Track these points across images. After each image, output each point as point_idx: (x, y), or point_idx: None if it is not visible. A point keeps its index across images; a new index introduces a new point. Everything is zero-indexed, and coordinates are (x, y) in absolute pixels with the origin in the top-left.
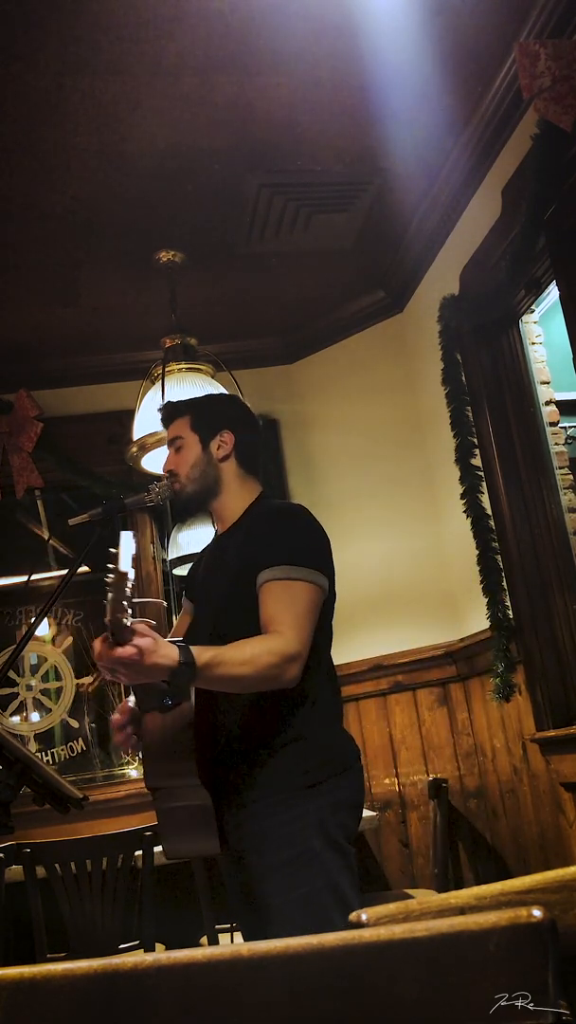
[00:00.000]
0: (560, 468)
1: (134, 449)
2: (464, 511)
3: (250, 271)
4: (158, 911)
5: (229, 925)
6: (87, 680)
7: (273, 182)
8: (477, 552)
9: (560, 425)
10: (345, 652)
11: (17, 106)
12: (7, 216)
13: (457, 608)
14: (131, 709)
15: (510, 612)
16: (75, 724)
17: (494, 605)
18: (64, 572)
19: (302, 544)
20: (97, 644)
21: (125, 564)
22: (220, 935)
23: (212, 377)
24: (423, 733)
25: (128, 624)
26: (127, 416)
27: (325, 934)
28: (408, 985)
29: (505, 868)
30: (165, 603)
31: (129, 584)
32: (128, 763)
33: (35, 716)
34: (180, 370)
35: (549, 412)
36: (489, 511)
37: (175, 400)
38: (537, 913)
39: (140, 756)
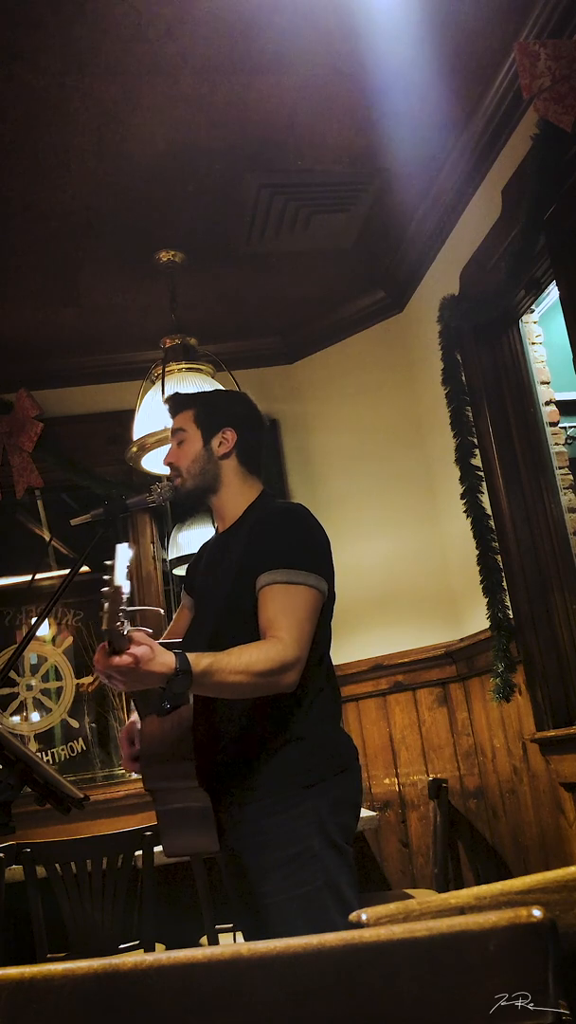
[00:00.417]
0: (560, 468)
1: (134, 449)
2: (464, 511)
3: (250, 271)
4: (158, 911)
5: (229, 925)
6: (87, 680)
7: (273, 182)
8: (477, 552)
9: (560, 425)
10: (345, 652)
11: (17, 106)
12: (7, 216)
13: (457, 608)
14: (134, 726)
15: (510, 612)
16: (75, 724)
17: (494, 605)
18: (65, 572)
19: (302, 547)
20: (97, 653)
21: (120, 578)
22: (220, 935)
23: (212, 377)
24: (423, 733)
25: (125, 633)
26: (127, 416)
27: (325, 934)
28: (408, 985)
29: (505, 868)
30: (163, 611)
31: (124, 597)
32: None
33: (35, 716)
34: (180, 370)
35: (549, 412)
36: (489, 511)
37: (182, 393)
38: (537, 913)
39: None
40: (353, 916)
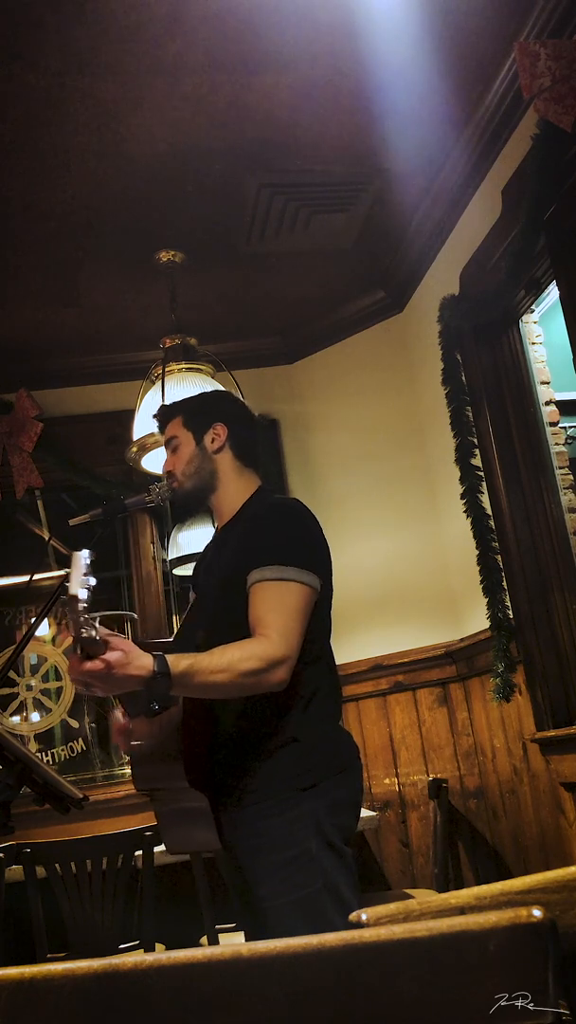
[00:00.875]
0: (560, 468)
1: (134, 449)
2: (464, 511)
3: (250, 271)
4: (158, 911)
5: (229, 925)
6: None
7: (273, 182)
8: (477, 552)
9: (560, 425)
10: (345, 652)
11: (17, 106)
12: (7, 216)
13: (457, 608)
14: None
15: (510, 612)
16: (75, 724)
17: (494, 605)
18: (64, 572)
19: (293, 543)
20: (71, 660)
21: (74, 587)
22: (220, 935)
23: (212, 377)
24: (423, 733)
25: (98, 638)
26: (127, 416)
27: (325, 934)
28: (408, 985)
29: (505, 868)
30: (135, 616)
31: (81, 605)
32: (128, 763)
33: (35, 716)
34: (180, 370)
35: (549, 412)
36: (489, 511)
37: (167, 403)
38: (537, 913)
39: (129, 760)
40: (353, 916)
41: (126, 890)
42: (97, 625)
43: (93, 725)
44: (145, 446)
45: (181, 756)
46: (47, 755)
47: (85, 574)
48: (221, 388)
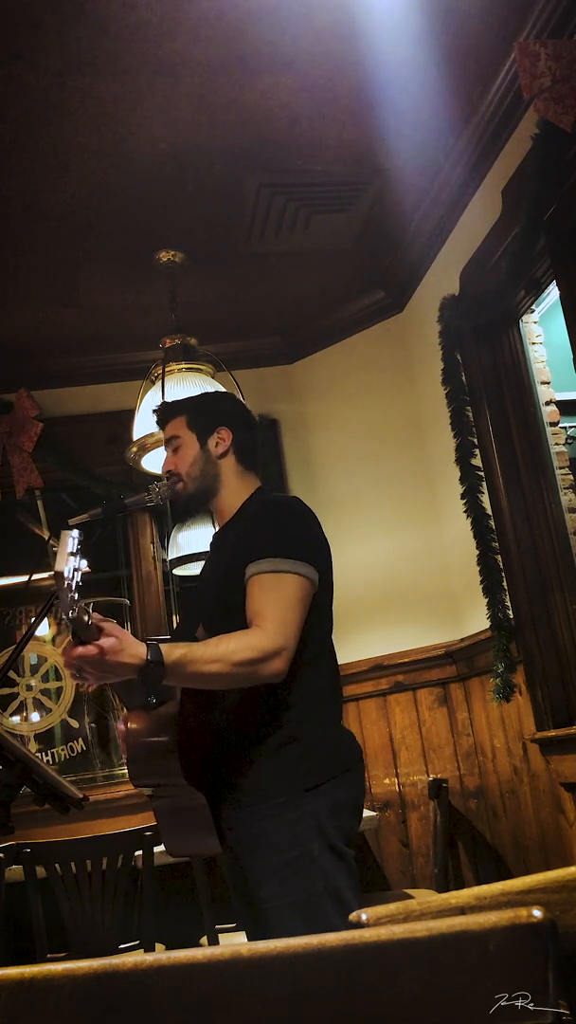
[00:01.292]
0: (560, 468)
1: (134, 449)
2: (464, 511)
3: (250, 271)
4: (158, 911)
5: (230, 925)
6: None
7: (273, 182)
8: (477, 552)
9: (560, 425)
10: (345, 652)
11: (17, 106)
12: (7, 216)
13: (457, 608)
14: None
15: (510, 612)
16: (75, 724)
17: (494, 605)
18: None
19: (290, 536)
20: (64, 646)
21: (59, 564)
22: (220, 935)
23: (212, 377)
24: (423, 733)
25: (91, 623)
26: (127, 416)
27: (325, 934)
28: (408, 985)
29: (505, 868)
30: (128, 602)
31: (66, 583)
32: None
33: (35, 716)
34: (180, 370)
35: (549, 412)
36: (489, 511)
37: (169, 401)
38: (537, 913)
39: (124, 755)
40: (353, 916)
41: (126, 890)
42: (89, 610)
43: (93, 725)
44: (145, 446)
45: (175, 751)
46: (47, 755)
47: (72, 553)
48: (222, 388)
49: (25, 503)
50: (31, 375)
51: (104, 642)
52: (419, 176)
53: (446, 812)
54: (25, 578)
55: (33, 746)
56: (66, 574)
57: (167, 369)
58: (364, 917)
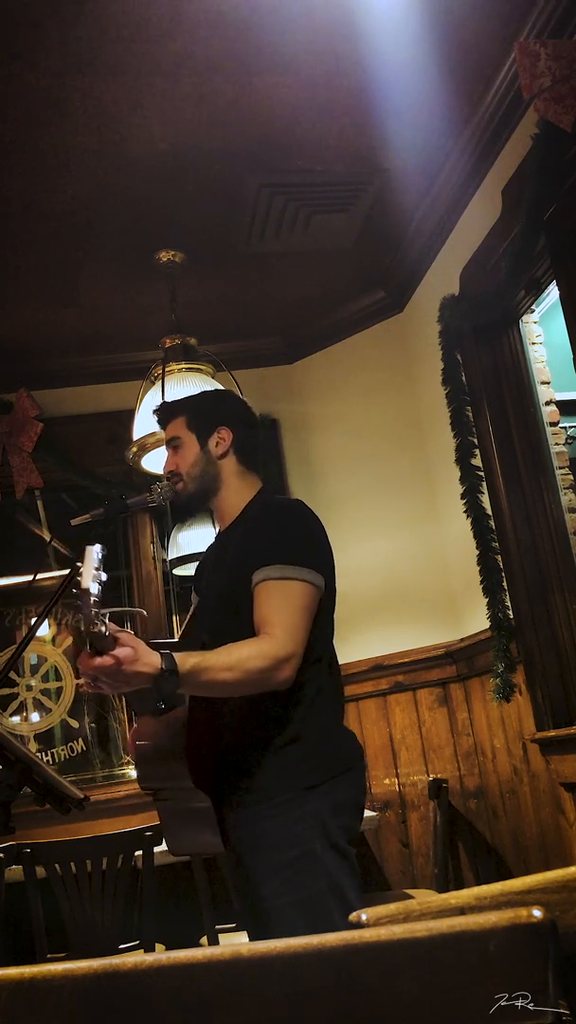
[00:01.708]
0: (560, 468)
1: (134, 449)
2: (464, 511)
3: (250, 271)
4: (158, 911)
5: (230, 925)
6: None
7: (273, 182)
8: (477, 552)
9: (560, 425)
10: (345, 652)
11: (17, 106)
12: (7, 216)
13: (457, 608)
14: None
15: (510, 612)
16: (75, 724)
17: (494, 605)
18: (65, 572)
19: (297, 542)
20: (81, 656)
21: (86, 580)
22: (220, 935)
23: (212, 377)
24: (423, 733)
25: (107, 634)
26: (127, 416)
27: (325, 934)
28: (408, 985)
29: (505, 868)
30: (144, 612)
31: (92, 599)
32: (128, 763)
33: (35, 716)
34: (180, 370)
35: (549, 412)
36: (489, 511)
37: (169, 400)
38: (537, 913)
39: (134, 758)
40: (353, 916)
41: (126, 890)
42: (107, 621)
43: (93, 725)
44: (145, 446)
45: (186, 756)
46: (47, 755)
47: (97, 568)
48: (222, 387)
49: (25, 503)
50: (31, 375)
51: (120, 652)
52: (419, 176)
53: (446, 812)
54: (25, 578)
55: (33, 746)
56: (92, 591)
57: (167, 369)
58: (364, 917)
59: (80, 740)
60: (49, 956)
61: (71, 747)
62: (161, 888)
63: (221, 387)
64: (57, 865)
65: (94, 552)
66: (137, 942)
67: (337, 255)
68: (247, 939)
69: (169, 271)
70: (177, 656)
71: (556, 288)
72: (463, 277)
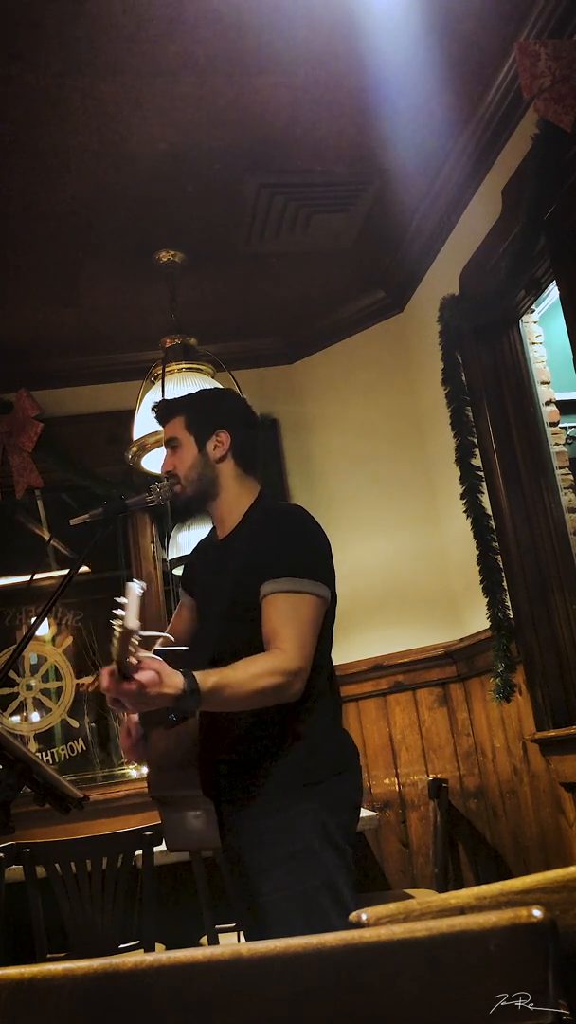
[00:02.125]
0: (560, 468)
1: (134, 449)
2: (464, 511)
3: (250, 271)
4: (158, 911)
5: (230, 925)
6: (87, 680)
7: (273, 182)
8: (477, 552)
9: (560, 425)
10: (345, 652)
11: (17, 106)
12: (7, 216)
13: (457, 608)
14: (136, 726)
15: (510, 612)
16: (75, 724)
17: (494, 605)
18: (64, 572)
19: (305, 554)
20: (105, 677)
21: (132, 620)
22: (220, 935)
23: (212, 377)
24: (423, 733)
25: (135, 662)
26: (127, 416)
27: (325, 934)
28: (408, 985)
29: (505, 868)
30: (172, 638)
31: (136, 638)
32: (128, 763)
33: (35, 716)
34: (180, 370)
35: (549, 412)
36: (489, 511)
37: (169, 399)
38: (537, 913)
39: (146, 766)
40: (353, 916)
41: (126, 890)
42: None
43: (93, 725)
44: (145, 446)
45: (197, 765)
46: (47, 755)
47: (140, 607)
48: (222, 387)
49: (25, 503)
50: (31, 375)
51: (144, 677)
52: (419, 176)
53: (446, 812)
54: (25, 578)
55: (33, 746)
56: (138, 631)
57: (167, 369)
58: (364, 917)
59: (80, 740)
60: (49, 956)
61: (71, 747)
62: (161, 888)
63: (221, 387)
64: (57, 865)
65: (136, 588)
66: (137, 942)
67: (337, 255)
68: (243, 935)
69: (169, 271)
70: (198, 675)
71: (556, 288)
72: (463, 277)
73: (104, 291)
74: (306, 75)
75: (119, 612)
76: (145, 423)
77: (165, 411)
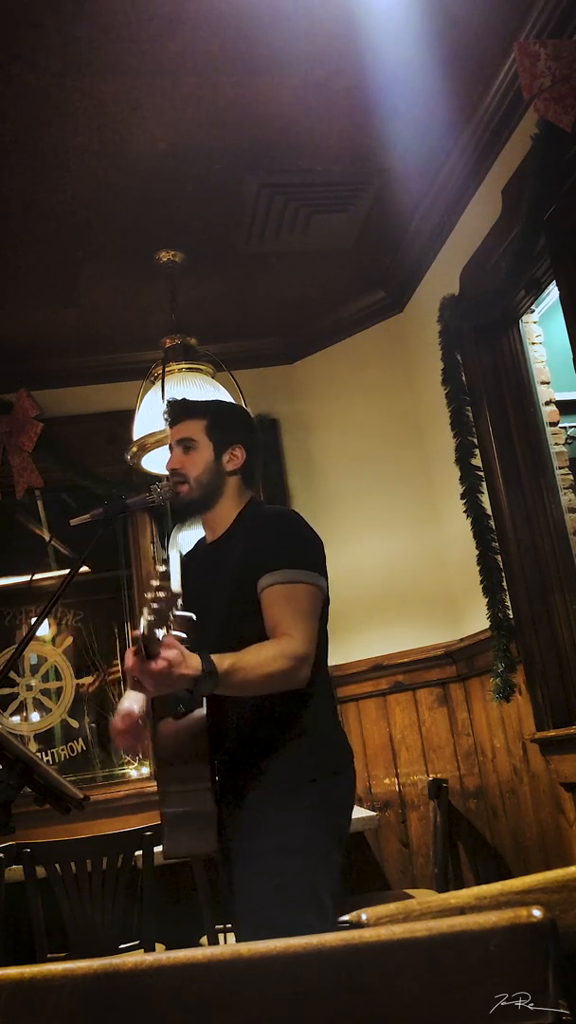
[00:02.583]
0: (560, 468)
1: (134, 449)
2: (464, 511)
3: (250, 271)
4: (158, 911)
5: (229, 925)
6: (87, 680)
7: (273, 182)
8: (477, 552)
9: (560, 425)
10: (345, 652)
11: (17, 106)
12: (7, 216)
13: (457, 608)
14: (129, 714)
15: (510, 612)
16: (75, 724)
17: (494, 605)
18: (65, 572)
19: (299, 547)
20: (129, 656)
21: (176, 584)
22: (220, 935)
23: (212, 377)
24: (423, 733)
25: (159, 637)
26: (127, 416)
27: (325, 934)
28: (408, 985)
29: (505, 868)
30: (194, 616)
31: (178, 602)
32: (128, 763)
33: (35, 716)
34: (180, 370)
35: (549, 412)
36: (489, 511)
37: (191, 400)
38: (537, 913)
39: (152, 759)
40: (353, 916)
41: (126, 890)
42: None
43: (93, 725)
44: (145, 446)
45: (207, 758)
46: (47, 755)
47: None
48: (223, 390)
49: (25, 503)
50: (31, 375)
51: (170, 655)
52: (419, 176)
53: (446, 812)
54: (25, 578)
55: (33, 746)
56: (179, 596)
57: (167, 369)
58: (364, 917)
59: (80, 740)
60: (49, 956)
61: (71, 747)
62: (161, 888)
63: (223, 389)
64: (57, 865)
65: (177, 557)
66: (137, 942)
67: (337, 255)
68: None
69: (169, 271)
70: (214, 658)
71: (556, 288)
72: (463, 277)
73: (104, 291)
74: (306, 75)
75: (159, 583)
76: (145, 423)
77: (184, 411)
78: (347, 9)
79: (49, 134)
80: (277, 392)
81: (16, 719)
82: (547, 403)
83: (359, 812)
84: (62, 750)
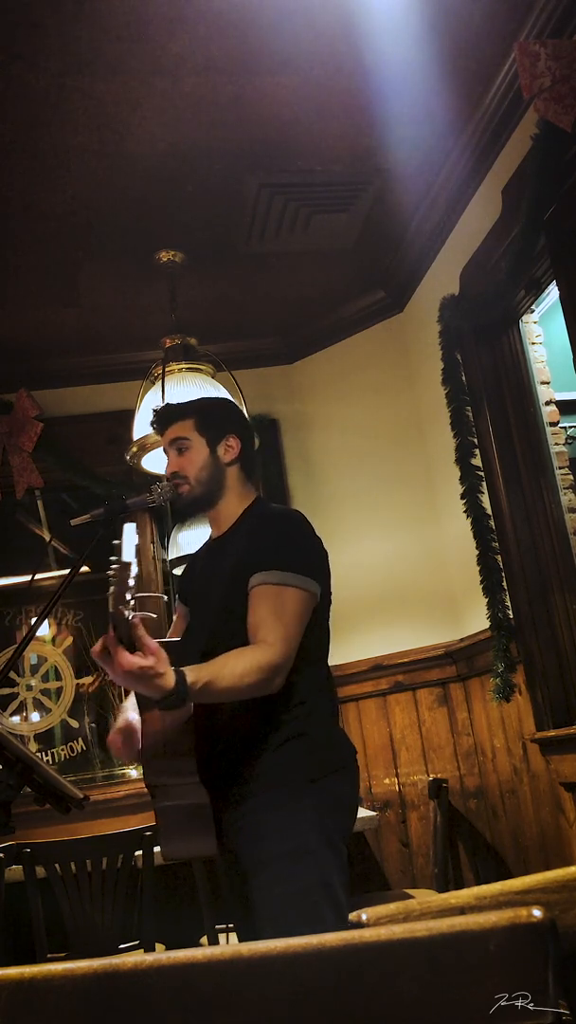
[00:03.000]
0: (560, 468)
1: (134, 449)
2: (464, 511)
3: (250, 271)
4: (158, 911)
5: (229, 925)
6: (87, 680)
7: (273, 182)
8: (477, 552)
9: (560, 425)
10: (345, 652)
11: (17, 106)
12: (7, 216)
13: (457, 608)
14: (127, 726)
15: (510, 612)
16: (75, 724)
17: (494, 605)
18: (64, 572)
19: (295, 549)
20: (99, 643)
21: (128, 555)
22: (220, 935)
23: (212, 377)
24: (423, 733)
25: (130, 619)
26: (127, 416)
27: (325, 934)
28: (408, 985)
29: (505, 868)
30: (165, 597)
31: (132, 575)
32: (126, 763)
33: (35, 716)
34: (180, 370)
35: (549, 412)
36: (489, 511)
37: (176, 402)
38: (537, 913)
39: (140, 755)
40: (353, 916)
41: (126, 890)
42: (132, 606)
43: (93, 725)
44: (145, 446)
45: (193, 752)
46: (47, 755)
47: (138, 546)
48: (223, 390)
49: (25, 503)
50: (31, 375)
51: (146, 662)
52: (419, 176)
53: (446, 812)
54: (25, 578)
55: (33, 746)
56: (133, 566)
57: (167, 369)
58: (364, 917)
59: (80, 740)
60: (49, 956)
61: (71, 747)
62: (161, 888)
63: (224, 389)
64: (57, 865)
65: (132, 529)
66: (137, 942)
67: (337, 255)
68: (236, 933)
69: (169, 271)
70: (186, 670)
71: (556, 288)
72: (463, 277)
73: (104, 291)
74: (306, 75)
75: (113, 557)
76: (145, 423)
77: (170, 415)
78: (347, 9)
79: (49, 134)
80: (277, 392)
81: (16, 719)
82: (547, 403)
83: (359, 812)
84: (62, 750)
